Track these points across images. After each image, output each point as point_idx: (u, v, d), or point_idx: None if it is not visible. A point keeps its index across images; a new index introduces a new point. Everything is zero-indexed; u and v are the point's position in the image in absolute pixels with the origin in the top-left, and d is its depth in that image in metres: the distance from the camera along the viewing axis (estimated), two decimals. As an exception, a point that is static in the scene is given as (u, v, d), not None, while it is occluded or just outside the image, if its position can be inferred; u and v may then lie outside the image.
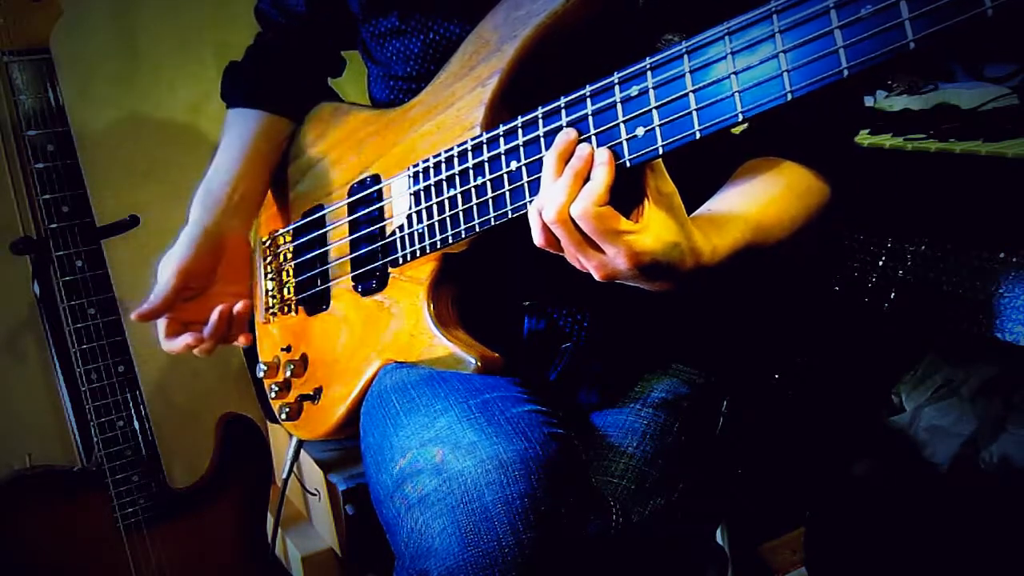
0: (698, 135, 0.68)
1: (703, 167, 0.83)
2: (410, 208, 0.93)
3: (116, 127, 1.73)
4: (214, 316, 1.05)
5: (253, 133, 1.13)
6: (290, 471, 1.59)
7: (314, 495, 1.72)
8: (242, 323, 1.08)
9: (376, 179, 0.99)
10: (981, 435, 1.32)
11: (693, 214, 0.83)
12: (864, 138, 1.35)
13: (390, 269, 0.97)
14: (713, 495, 0.99)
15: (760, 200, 0.85)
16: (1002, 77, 1.39)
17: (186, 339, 1.05)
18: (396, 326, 0.96)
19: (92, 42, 1.69)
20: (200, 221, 1.08)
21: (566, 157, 0.74)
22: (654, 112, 0.71)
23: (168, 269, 1.05)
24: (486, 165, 0.83)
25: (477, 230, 0.85)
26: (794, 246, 0.87)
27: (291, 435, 1.51)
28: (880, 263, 1.32)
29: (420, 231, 0.92)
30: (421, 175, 0.91)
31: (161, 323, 1.06)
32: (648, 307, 0.91)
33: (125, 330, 1.41)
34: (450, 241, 0.88)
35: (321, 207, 1.08)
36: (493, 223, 0.83)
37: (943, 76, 1.45)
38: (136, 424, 1.42)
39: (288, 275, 1.13)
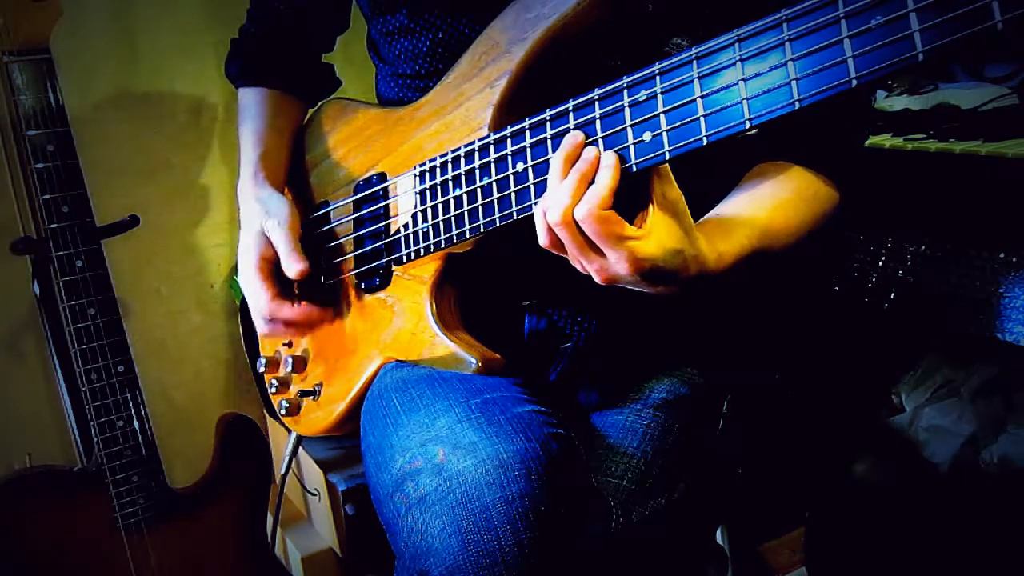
0: (705, 141, 0.68)
1: (712, 172, 0.83)
2: (415, 207, 0.93)
3: (116, 127, 1.73)
4: None
5: (271, 108, 1.15)
6: (288, 467, 1.59)
7: (314, 495, 1.72)
8: None
9: (382, 177, 0.99)
10: (981, 435, 1.32)
11: (701, 219, 0.82)
12: (864, 138, 1.35)
13: (394, 267, 0.97)
14: (713, 495, 0.99)
15: (768, 205, 0.85)
16: (1002, 77, 1.39)
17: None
18: (398, 324, 0.96)
19: (92, 42, 1.68)
20: (277, 188, 1.08)
21: (572, 159, 0.74)
22: (661, 117, 0.70)
23: (276, 232, 1.03)
24: (493, 166, 0.83)
25: (482, 230, 0.85)
26: (801, 251, 0.87)
27: (290, 431, 1.51)
28: (880, 263, 1.32)
29: (425, 230, 0.92)
30: (427, 174, 0.91)
31: (267, 327, 1.05)
32: (649, 308, 0.91)
33: (125, 330, 1.41)
34: (454, 241, 0.88)
35: (327, 203, 1.08)
36: (498, 224, 0.83)
37: (943, 76, 1.45)
38: (136, 424, 1.41)
39: None
